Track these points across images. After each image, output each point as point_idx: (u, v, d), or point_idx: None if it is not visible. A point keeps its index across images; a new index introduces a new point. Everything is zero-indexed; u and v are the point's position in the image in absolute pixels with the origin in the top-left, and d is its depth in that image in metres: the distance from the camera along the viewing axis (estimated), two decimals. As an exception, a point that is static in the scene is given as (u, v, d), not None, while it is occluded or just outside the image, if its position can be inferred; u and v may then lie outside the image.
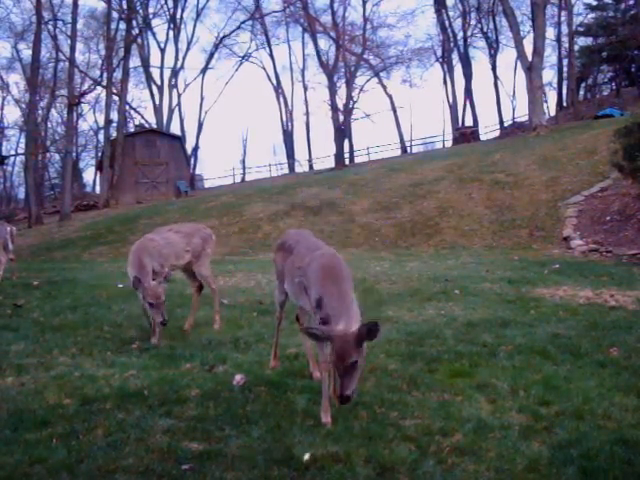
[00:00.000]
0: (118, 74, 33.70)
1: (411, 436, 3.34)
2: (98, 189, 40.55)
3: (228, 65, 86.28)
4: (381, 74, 40.76)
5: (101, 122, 41.66)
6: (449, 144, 39.61)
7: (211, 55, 43.95)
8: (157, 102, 41.23)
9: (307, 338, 4.56)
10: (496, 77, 42.82)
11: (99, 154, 38.45)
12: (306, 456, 3.09)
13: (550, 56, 40.20)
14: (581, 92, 38.72)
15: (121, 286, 8.45)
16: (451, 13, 42.90)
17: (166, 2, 40.56)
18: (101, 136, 40.88)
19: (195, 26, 49.50)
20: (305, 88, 45.41)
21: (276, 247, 4.72)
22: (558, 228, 13.55)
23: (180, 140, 35.38)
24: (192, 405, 3.86)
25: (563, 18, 36.46)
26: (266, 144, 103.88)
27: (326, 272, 3.73)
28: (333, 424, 3.52)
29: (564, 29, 36.93)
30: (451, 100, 44.07)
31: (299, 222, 16.14)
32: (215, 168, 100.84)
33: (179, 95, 43.08)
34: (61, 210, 25.81)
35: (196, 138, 44.79)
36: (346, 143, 39.83)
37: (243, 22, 43.00)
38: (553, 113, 38.47)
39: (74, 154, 40.41)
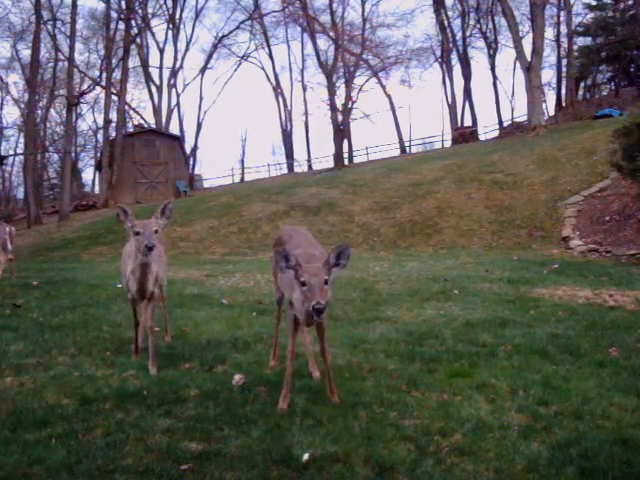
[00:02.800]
0: (117, 74, 33.67)
1: (410, 436, 3.34)
2: (97, 189, 40.63)
3: (227, 65, 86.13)
4: (380, 74, 40.78)
5: (100, 122, 41.68)
6: (448, 144, 39.59)
7: (210, 55, 43.94)
8: (156, 102, 41.16)
9: (306, 336, 4.58)
10: (495, 77, 42.85)
11: (98, 154, 38.43)
12: (305, 456, 3.09)
13: (549, 56, 40.28)
14: (580, 92, 38.74)
15: (120, 286, 8.44)
16: (450, 13, 42.95)
17: (165, 2, 40.54)
18: (100, 136, 40.87)
19: (194, 26, 49.06)
20: (304, 88, 45.44)
21: (273, 243, 4.75)
22: (557, 228, 13.56)
23: (179, 140, 35.32)
24: (191, 405, 3.86)
25: (562, 18, 36.47)
26: (265, 144, 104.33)
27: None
28: (332, 423, 3.52)
29: (563, 29, 36.99)
30: (450, 100, 44.11)
31: (298, 222, 16.13)
32: (214, 168, 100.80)
33: (178, 95, 43.07)
34: (60, 210, 25.80)
35: (195, 138, 44.85)
36: (345, 143, 39.80)
37: (242, 22, 43.00)
38: (552, 113, 38.46)
39: (73, 154, 40.40)
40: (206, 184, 42.93)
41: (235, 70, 56.67)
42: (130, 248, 4.85)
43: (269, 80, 47.00)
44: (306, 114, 45.61)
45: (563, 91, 38.05)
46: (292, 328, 3.99)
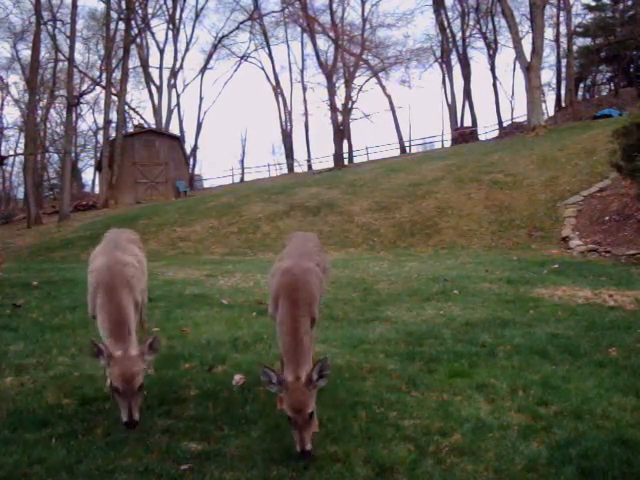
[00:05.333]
0: (117, 74, 33.70)
1: (410, 436, 3.34)
2: (97, 189, 40.59)
3: (227, 65, 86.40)
4: (380, 74, 40.80)
5: (100, 122, 41.69)
6: (448, 144, 39.59)
7: (210, 55, 43.97)
8: (156, 102, 41.18)
9: None
10: (495, 77, 42.88)
11: (98, 154, 38.42)
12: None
13: (549, 56, 40.30)
14: (580, 92, 38.78)
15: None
16: (450, 13, 42.99)
17: (165, 2, 40.61)
18: (100, 136, 40.86)
19: (194, 26, 49.22)
20: (304, 88, 45.45)
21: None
22: (557, 228, 13.55)
23: (179, 140, 35.31)
24: (191, 405, 3.87)
25: (562, 18, 36.57)
26: (265, 144, 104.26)
27: (281, 291, 3.55)
28: (332, 423, 3.52)
29: (563, 29, 37.05)
30: (450, 100, 44.14)
31: (298, 222, 16.14)
32: (214, 168, 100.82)
33: (178, 95, 43.09)
34: (60, 210, 25.76)
35: (195, 138, 44.90)
36: (345, 143, 39.80)
37: (242, 22, 43.03)
38: (552, 113, 38.48)
39: (73, 154, 40.39)
40: (206, 184, 42.94)
41: (235, 70, 56.82)
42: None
43: (269, 80, 47.06)
44: (306, 114, 45.64)
45: (563, 91, 38.10)
46: None
